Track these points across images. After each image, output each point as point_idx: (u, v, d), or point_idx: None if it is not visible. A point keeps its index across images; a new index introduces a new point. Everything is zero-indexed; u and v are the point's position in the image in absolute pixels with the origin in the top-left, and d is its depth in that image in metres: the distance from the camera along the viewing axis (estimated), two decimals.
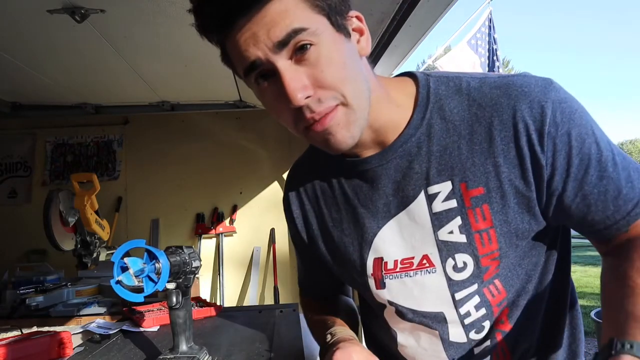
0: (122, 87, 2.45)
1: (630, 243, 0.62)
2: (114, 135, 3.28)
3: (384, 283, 0.72)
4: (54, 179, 3.20)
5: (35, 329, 1.37)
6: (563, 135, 0.60)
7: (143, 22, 1.55)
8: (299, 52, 0.55)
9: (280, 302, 3.05)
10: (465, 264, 0.67)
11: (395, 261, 0.71)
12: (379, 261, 0.72)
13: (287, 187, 0.84)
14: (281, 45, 0.54)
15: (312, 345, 1.22)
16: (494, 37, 4.87)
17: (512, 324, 0.71)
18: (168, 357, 1.00)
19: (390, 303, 0.73)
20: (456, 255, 0.67)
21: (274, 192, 3.28)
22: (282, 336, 1.24)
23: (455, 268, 0.67)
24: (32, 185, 3.19)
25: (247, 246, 3.28)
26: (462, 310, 0.69)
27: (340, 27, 0.58)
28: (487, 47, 4.86)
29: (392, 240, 0.70)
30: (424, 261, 0.69)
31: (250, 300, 3.18)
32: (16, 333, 1.34)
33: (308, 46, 0.55)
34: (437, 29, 1.33)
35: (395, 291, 0.72)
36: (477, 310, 0.70)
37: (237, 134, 3.27)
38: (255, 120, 3.21)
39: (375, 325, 0.87)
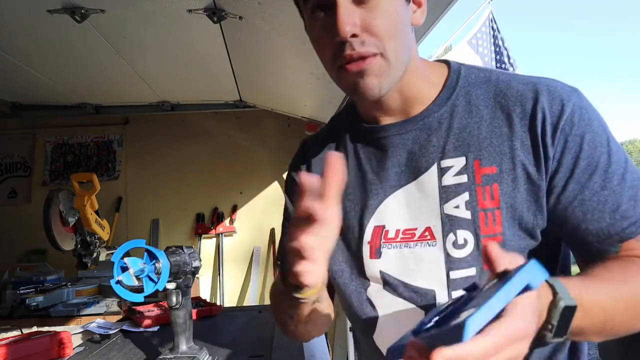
0: (122, 87, 2.45)
1: (617, 260, 0.61)
2: (114, 135, 3.28)
3: (380, 252, 0.71)
4: (54, 179, 3.20)
5: (35, 329, 1.37)
6: (576, 136, 0.62)
7: (143, 22, 1.55)
8: None
9: None
10: (465, 241, 0.66)
11: (397, 230, 0.70)
12: (380, 229, 0.71)
13: (298, 153, 0.86)
14: None
15: (312, 345, 1.22)
16: (500, 38, 4.78)
17: None
18: (168, 357, 1.00)
19: (382, 275, 0.71)
20: (458, 231, 0.66)
21: (274, 192, 3.27)
22: (282, 336, 1.24)
23: (455, 244, 0.66)
24: (32, 185, 3.19)
25: (247, 246, 3.28)
26: (455, 294, 0.66)
27: None
28: (490, 47, 4.80)
29: (397, 210, 0.71)
30: (426, 233, 0.68)
31: (250, 300, 3.18)
32: (16, 333, 1.34)
33: None
34: (437, 28, 1.32)
35: (391, 261, 0.70)
36: None
37: (237, 134, 3.27)
38: (255, 120, 3.21)
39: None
